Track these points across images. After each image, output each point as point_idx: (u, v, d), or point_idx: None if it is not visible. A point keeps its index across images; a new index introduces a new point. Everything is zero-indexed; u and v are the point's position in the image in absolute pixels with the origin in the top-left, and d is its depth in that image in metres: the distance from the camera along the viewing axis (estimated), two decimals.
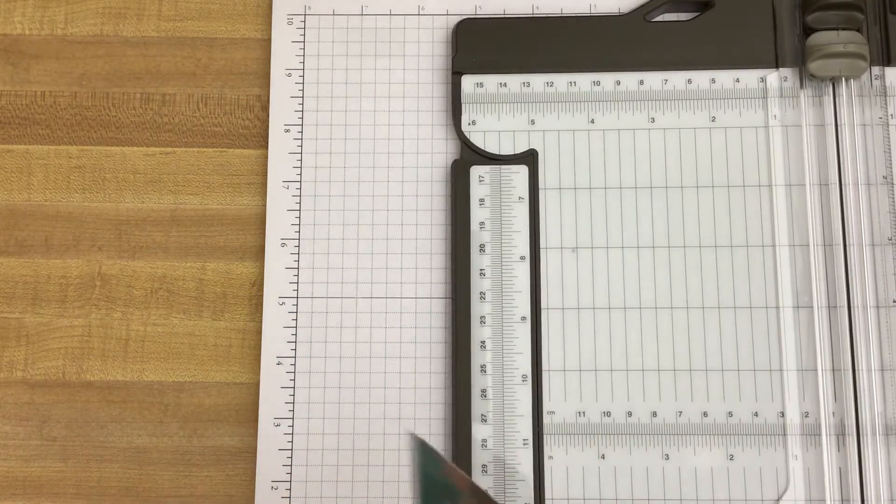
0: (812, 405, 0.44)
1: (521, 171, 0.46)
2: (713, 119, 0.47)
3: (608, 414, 0.45)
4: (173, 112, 0.49)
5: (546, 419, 0.44)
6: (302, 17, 0.49)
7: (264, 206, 0.47)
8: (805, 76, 0.47)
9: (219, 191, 0.48)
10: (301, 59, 0.48)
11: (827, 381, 0.44)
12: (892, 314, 0.45)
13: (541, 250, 0.46)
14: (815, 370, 0.44)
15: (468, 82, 0.47)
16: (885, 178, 0.46)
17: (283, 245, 0.47)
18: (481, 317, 0.45)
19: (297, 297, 0.46)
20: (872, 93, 0.46)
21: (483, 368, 0.44)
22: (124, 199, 0.48)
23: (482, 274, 0.45)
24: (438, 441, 0.45)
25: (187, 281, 0.47)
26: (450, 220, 0.46)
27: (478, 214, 0.46)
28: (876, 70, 0.46)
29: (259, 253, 0.47)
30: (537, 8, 0.49)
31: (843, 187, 0.46)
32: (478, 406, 0.44)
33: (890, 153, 0.46)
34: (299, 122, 0.48)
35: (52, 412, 0.46)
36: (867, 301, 0.45)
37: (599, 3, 0.48)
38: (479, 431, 0.44)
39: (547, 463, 0.44)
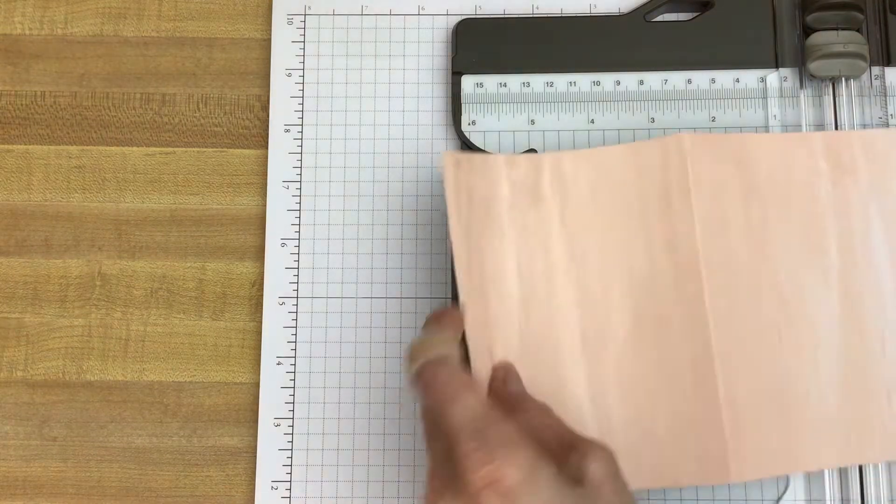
0: None
1: None
2: (713, 119, 0.47)
3: None
4: (173, 112, 0.49)
5: None
6: (302, 17, 0.49)
7: (264, 206, 0.47)
8: (805, 76, 0.47)
9: (219, 191, 0.48)
10: (301, 59, 0.48)
11: None
12: None
13: None
14: None
15: (468, 82, 0.47)
16: None
17: (283, 245, 0.47)
18: None
19: (297, 297, 0.46)
20: (872, 93, 0.46)
21: None
22: (124, 199, 0.48)
23: None
24: None
25: (187, 281, 0.47)
26: None
27: None
28: (876, 70, 0.46)
29: (259, 253, 0.47)
30: (537, 8, 0.49)
31: None
32: None
33: None
34: (299, 122, 0.48)
35: (52, 412, 0.46)
36: None
37: (599, 3, 0.48)
38: None
39: None
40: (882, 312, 0.42)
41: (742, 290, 0.42)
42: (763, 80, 0.47)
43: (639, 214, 0.42)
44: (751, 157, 0.43)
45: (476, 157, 0.42)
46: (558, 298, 0.41)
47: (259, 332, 0.46)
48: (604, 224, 0.42)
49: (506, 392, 0.38)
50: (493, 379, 0.39)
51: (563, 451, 0.34)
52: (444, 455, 0.33)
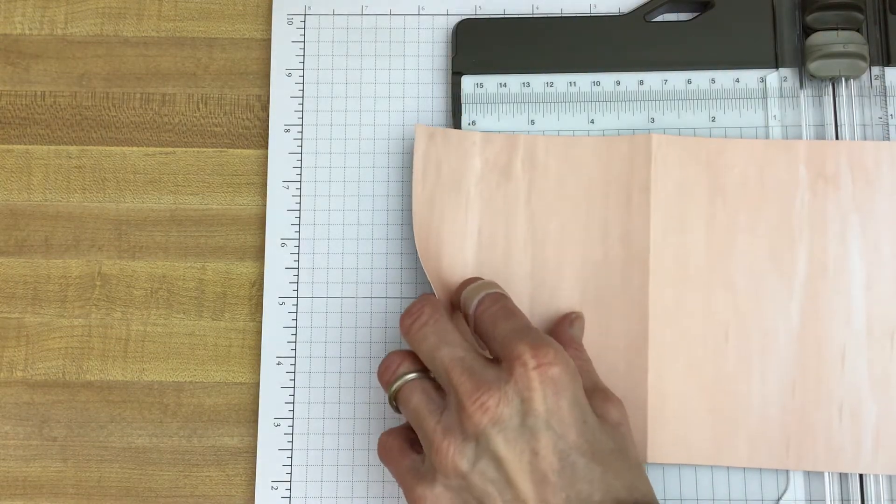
0: None
1: None
2: (713, 119, 0.47)
3: None
4: (173, 112, 0.49)
5: None
6: (302, 17, 0.49)
7: (264, 206, 0.47)
8: (805, 76, 0.47)
9: (219, 191, 0.48)
10: (301, 59, 0.48)
11: None
12: None
13: None
14: None
15: (468, 82, 0.47)
16: None
17: (283, 245, 0.47)
18: None
19: (297, 297, 0.46)
20: (872, 93, 0.46)
21: None
22: (124, 199, 0.48)
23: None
24: None
25: (187, 281, 0.47)
26: None
27: None
28: (876, 70, 0.46)
29: (259, 253, 0.47)
30: (537, 8, 0.49)
31: None
32: None
33: None
34: (299, 122, 0.48)
35: (52, 412, 0.46)
36: None
37: (599, 3, 0.48)
38: None
39: None
40: (847, 327, 0.43)
41: (692, 286, 0.44)
42: (763, 80, 0.47)
43: (600, 205, 0.44)
44: (724, 160, 0.45)
45: (452, 132, 0.45)
46: (513, 268, 0.44)
47: (259, 332, 0.46)
48: (566, 209, 0.45)
49: (567, 332, 0.42)
50: (564, 317, 0.43)
51: (588, 393, 0.38)
52: (482, 368, 0.36)
